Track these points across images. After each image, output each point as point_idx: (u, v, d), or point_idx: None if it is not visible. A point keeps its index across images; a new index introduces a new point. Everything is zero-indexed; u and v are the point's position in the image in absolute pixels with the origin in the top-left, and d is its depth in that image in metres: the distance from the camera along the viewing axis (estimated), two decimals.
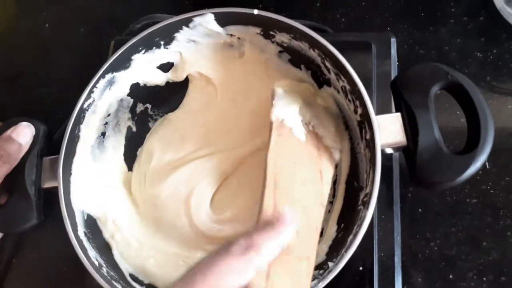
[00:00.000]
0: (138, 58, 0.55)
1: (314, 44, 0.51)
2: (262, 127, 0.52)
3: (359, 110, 0.49)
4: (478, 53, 0.62)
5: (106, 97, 0.55)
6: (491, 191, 0.56)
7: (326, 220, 0.51)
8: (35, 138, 0.52)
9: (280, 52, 0.55)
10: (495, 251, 0.54)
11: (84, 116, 0.53)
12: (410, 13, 0.65)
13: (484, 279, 0.53)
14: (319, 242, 0.48)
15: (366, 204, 0.46)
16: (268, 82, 0.56)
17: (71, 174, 0.51)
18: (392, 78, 0.54)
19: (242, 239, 0.36)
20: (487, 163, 0.55)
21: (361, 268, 0.50)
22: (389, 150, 0.48)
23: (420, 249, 0.54)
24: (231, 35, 0.56)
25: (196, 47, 0.57)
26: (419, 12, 0.65)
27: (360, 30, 0.64)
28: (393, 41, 0.59)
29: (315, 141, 0.50)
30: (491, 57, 0.61)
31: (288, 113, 0.50)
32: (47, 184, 0.51)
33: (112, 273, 0.49)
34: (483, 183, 0.56)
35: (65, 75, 0.71)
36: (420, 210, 0.56)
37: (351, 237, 0.46)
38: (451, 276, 0.53)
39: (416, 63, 0.48)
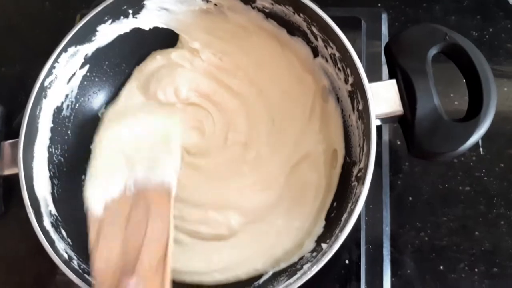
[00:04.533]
0: (104, 29, 0.50)
1: (299, 7, 0.46)
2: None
3: (350, 79, 0.45)
4: (474, 32, 0.59)
5: (69, 71, 0.49)
6: (485, 178, 0.53)
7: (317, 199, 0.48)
8: None
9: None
10: (487, 241, 0.51)
11: (45, 95, 0.48)
12: None
13: (476, 270, 0.51)
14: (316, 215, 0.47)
15: (360, 179, 0.42)
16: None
17: (33, 158, 0.46)
18: (383, 54, 0.50)
19: None
20: (481, 149, 0.53)
21: (347, 262, 0.47)
22: (382, 122, 0.44)
23: (409, 239, 0.52)
24: (207, 1, 0.51)
25: (169, 15, 0.52)
26: None
27: (349, 3, 0.60)
28: (384, 17, 0.55)
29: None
30: (487, 36, 0.58)
31: None
32: (7, 171, 0.46)
33: (84, 266, 0.44)
34: (477, 169, 0.53)
35: (28, 53, 0.65)
36: (410, 198, 0.53)
37: (345, 215, 0.43)
38: (441, 268, 0.51)
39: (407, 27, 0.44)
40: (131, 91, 0.54)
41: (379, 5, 0.61)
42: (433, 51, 0.42)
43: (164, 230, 0.40)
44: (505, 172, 0.53)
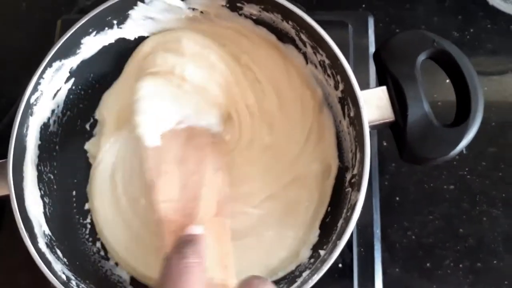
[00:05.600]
0: (89, 41, 0.49)
1: (287, 15, 0.46)
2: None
3: (341, 86, 0.46)
4: (455, 32, 0.60)
5: (55, 86, 0.48)
6: (468, 176, 0.55)
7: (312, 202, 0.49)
8: None
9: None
10: (471, 237, 0.53)
11: (32, 112, 0.46)
12: None
13: (461, 266, 0.52)
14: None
15: (355, 186, 0.43)
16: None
17: (23, 179, 0.45)
18: (370, 58, 0.52)
19: None
20: (464, 149, 0.55)
21: (340, 265, 0.48)
22: (372, 128, 0.45)
23: (397, 238, 0.53)
24: (193, 8, 0.50)
25: (155, 25, 0.51)
26: None
27: (335, 6, 0.61)
28: (371, 21, 0.55)
29: None
30: (468, 36, 0.60)
31: None
32: None
33: (82, 285, 0.44)
34: (460, 169, 0.55)
35: (4, 57, 0.64)
36: (397, 198, 0.55)
37: (341, 221, 0.43)
38: (428, 265, 0.53)
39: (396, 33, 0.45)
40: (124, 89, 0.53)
41: (363, 5, 0.61)
42: (421, 57, 0.43)
43: (218, 178, 0.41)
44: (487, 171, 0.55)
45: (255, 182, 0.48)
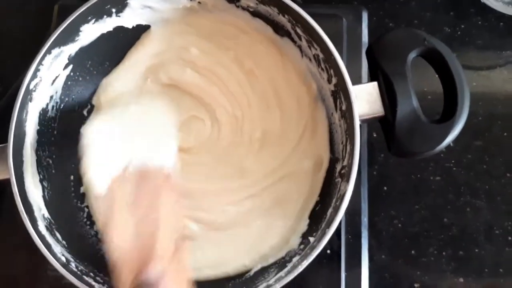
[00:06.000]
0: (87, 29, 0.49)
1: (283, 9, 0.47)
2: None
3: (334, 80, 0.47)
4: (447, 28, 0.61)
5: (54, 73, 0.49)
6: (454, 168, 0.57)
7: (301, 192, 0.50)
8: None
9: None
10: (455, 227, 0.55)
11: (31, 98, 0.47)
12: None
13: (444, 254, 0.54)
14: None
15: (344, 177, 0.45)
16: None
17: (23, 163, 0.46)
18: (363, 52, 0.53)
19: None
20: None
21: (328, 251, 0.50)
22: (363, 122, 0.46)
23: (384, 226, 0.55)
24: None
25: (153, 14, 0.51)
26: None
27: (330, 1, 0.61)
28: (365, 15, 0.56)
29: None
30: (459, 32, 0.61)
31: None
32: None
33: (81, 267, 0.45)
34: (446, 161, 0.57)
35: (1, 42, 0.64)
36: (385, 188, 0.56)
37: (330, 210, 0.45)
38: (413, 252, 0.55)
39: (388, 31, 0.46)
40: (125, 76, 0.54)
41: None
42: (412, 55, 0.44)
43: (175, 216, 0.41)
44: (472, 163, 0.57)
45: (245, 179, 0.50)
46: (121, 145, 0.45)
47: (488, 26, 0.61)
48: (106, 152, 0.44)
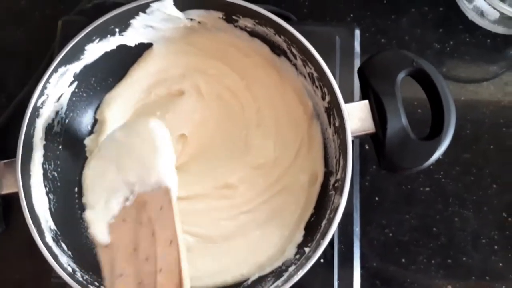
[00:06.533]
0: (92, 48, 0.52)
1: (280, 30, 0.50)
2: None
3: (327, 98, 0.49)
4: (436, 44, 0.63)
5: (60, 90, 0.51)
6: (443, 180, 0.59)
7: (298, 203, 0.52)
8: None
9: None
10: (443, 236, 0.57)
11: (38, 115, 0.49)
12: (373, 0, 0.65)
13: (433, 262, 0.57)
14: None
15: (338, 190, 0.47)
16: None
17: (30, 177, 0.48)
18: (355, 69, 0.55)
19: None
20: None
21: (322, 260, 0.52)
22: (355, 137, 0.49)
23: (376, 235, 0.57)
24: (191, 19, 0.53)
25: (155, 33, 0.54)
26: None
27: (323, 15, 0.64)
28: (357, 33, 0.58)
29: None
30: (448, 48, 0.63)
31: None
32: (6, 190, 0.48)
33: (87, 277, 0.47)
34: (436, 172, 0.59)
35: (4, 54, 0.65)
36: (376, 198, 0.58)
37: (325, 222, 0.48)
38: (403, 260, 0.57)
39: (379, 51, 0.48)
40: (128, 92, 0.56)
41: (351, 15, 0.64)
42: (401, 75, 0.47)
43: (173, 259, 0.39)
44: (460, 175, 0.59)
45: (240, 198, 0.51)
46: (117, 176, 0.44)
47: (476, 42, 0.64)
48: (106, 190, 0.43)
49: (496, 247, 0.57)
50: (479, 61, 0.63)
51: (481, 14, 0.62)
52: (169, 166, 0.43)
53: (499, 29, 0.62)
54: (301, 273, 0.44)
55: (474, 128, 0.61)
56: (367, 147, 0.60)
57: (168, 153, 0.43)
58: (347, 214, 0.54)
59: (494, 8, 0.58)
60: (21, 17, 0.67)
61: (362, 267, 0.55)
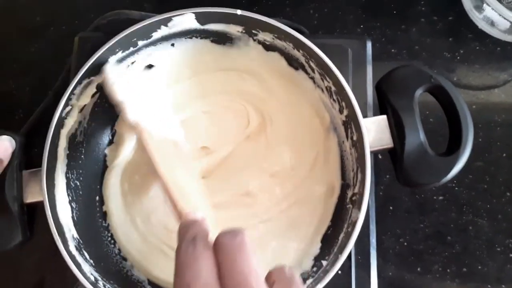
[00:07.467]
0: (114, 59, 0.52)
1: (299, 45, 0.50)
2: None
3: (345, 111, 0.50)
4: (446, 53, 0.64)
5: (83, 100, 0.52)
6: (456, 188, 0.59)
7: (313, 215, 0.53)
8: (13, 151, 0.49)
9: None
10: (458, 244, 0.58)
11: (62, 125, 0.50)
12: (382, 10, 0.66)
13: (448, 270, 0.57)
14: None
15: (355, 204, 0.48)
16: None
17: (54, 186, 0.50)
18: (368, 81, 0.55)
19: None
20: None
21: (340, 272, 0.52)
22: (372, 152, 0.49)
23: (391, 245, 0.58)
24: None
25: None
26: (391, 10, 0.66)
27: (333, 27, 0.64)
28: (369, 45, 0.59)
29: None
30: (458, 57, 0.64)
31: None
32: (30, 199, 0.49)
33: (108, 286, 0.49)
34: (449, 181, 0.57)
35: (21, 69, 0.66)
36: (391, 207, 0.59)
37: (342, 235, 0.48)
38: (419, 269, 0.57)
39: (389, 62, 0.49)
40: None
41: (361, 26, 0.65)
42: (419, 91, 0.47)
43: None
44: (473, 183, 0.59)
45: (257, 207, 0.52)
46: None
47: (486, 51, 0.64)
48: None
49: (511, 255, 0.57)
50: (489, 69, 0.64)
51: (491, 23, 0.62)
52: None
53: (509, 38, 0.63)
54: (319, 286, 0.45)
55: (486, 136, 0.61)
56: (380, 157, 0.60)
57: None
58: (364, 226, 0.54)
59: (505, 18, 0.59)
60: (36, 33, 0.67)
61: (379, 276, 0.55)
